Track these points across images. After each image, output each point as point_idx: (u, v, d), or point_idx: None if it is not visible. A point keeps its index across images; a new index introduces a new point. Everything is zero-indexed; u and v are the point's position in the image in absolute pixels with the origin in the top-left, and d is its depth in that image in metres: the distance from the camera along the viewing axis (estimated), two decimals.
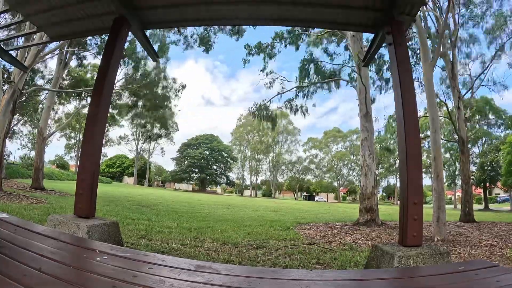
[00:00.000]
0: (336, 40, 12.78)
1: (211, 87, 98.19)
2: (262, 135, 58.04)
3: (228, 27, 12.31)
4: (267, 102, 13.41)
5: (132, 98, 19.88)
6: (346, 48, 12.60)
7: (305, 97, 13.14)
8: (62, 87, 16.88)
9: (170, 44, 14.86)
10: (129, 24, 3.48)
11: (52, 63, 24.96)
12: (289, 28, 12.01)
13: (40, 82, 17.99)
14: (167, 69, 20.41)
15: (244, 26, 12.40)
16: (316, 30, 12.02)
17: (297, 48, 12.85)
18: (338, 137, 58.24)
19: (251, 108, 13.54)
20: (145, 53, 15.59)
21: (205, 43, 13.35)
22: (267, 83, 13.17)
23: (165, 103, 24.07)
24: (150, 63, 17.35)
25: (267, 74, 13.16)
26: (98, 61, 16.56)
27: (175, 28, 12.50)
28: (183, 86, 23.87)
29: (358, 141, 51.99)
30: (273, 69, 13.34)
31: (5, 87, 9.69)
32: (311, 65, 12.68)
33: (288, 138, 60.34)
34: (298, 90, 12.93)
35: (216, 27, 12.32)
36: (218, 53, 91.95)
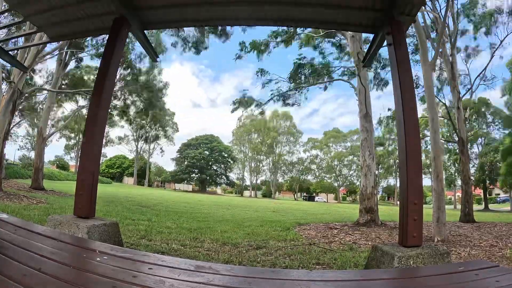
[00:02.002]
0: (333, 41, 12.75)
1: (197, 90, 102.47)
2: (264, 135, 58.05)
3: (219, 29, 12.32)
4: (265, 103, 13.46)
5: (128, 99, 19.90)
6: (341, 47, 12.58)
7: (301, 93, 13.22)
8: (62, 87, 16.88)
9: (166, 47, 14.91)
10: (129, 24, 3.48)
11: (51, 64, 24.98)
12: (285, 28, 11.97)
13: (39, 82, 17.99)
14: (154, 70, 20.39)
15: (231, 28, 12.45)
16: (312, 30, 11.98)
17: (311, 46, 12.77)
18: (338, 137, 58.28)
19: (235, 100, 13.65)
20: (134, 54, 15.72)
21: (197, 46, 13.34)
22: (263, 82, 13.16)
23: (158, 103, 24.10)
24: (143, 64, 17.40)
25: (261, 74, 13.12)
26: (94, 62, 16.65)
27: (171, 30, 12.51)
28: (165, 84, 23.82)
29: (358, 142, 52.05)
30: (265, 68, 13.21)
31: (4, 87, 9.69)
32: (307, 66, 12.66)
33: (288, 138, 60.38)
34: (293, 90, 12.94)
35: (207, 28, 12.32)
36: (203, 58, 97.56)
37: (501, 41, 13.30)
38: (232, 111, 14.31)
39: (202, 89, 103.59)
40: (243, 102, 13.41)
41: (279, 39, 12.45)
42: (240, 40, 12.91)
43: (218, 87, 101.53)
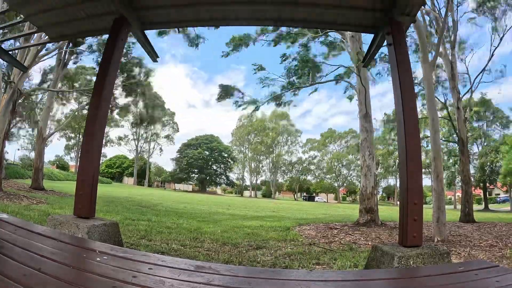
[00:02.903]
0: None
1: (191, 91, 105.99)
2: (263, 135, 58.10)
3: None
4: (263, 102, 13.33)
5: (128, 98, 19.81)
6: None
7: (294, 94, 13.08)
8: (62, 87, 16.87)
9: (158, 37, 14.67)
10: (129, 24, 3.48)
11: (51, 64, 24.93)
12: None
13: (39, 82, 17.95)
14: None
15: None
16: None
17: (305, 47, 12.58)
18: (336, 138, 58.42)
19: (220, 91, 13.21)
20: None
21: (194, 40, 13.27)
22: (261, 80, 12.96)
23: (156, 101, 23.99)
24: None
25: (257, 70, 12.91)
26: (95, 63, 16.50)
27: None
28: (150, 70, 23.32)
29: (353, 142, 52.20)
30: (264, 68, 12.99)
31: (4, 87, 9.69)
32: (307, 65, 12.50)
33: (287, 138, 60.45)
34: (287, 89, 12.78)
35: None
36: (195, 60, 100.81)
37: (501, 38, 13.28)
38: (218, 100, 13.73)
39: (196, 90, 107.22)
40: (227, 91, 12.96)
41: (270, 37, 12.21)
42: (232, 34, 12.58)
43: (212, 88, 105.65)
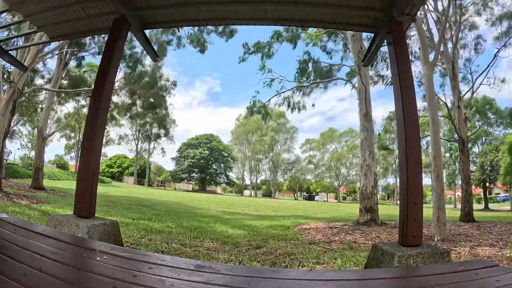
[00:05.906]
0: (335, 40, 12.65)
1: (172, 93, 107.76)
2: (262, 134, 58.06)
3: (220, 28, 12.44)
4: (266, 101, 13.41)
5: (130, 98, 19.90)
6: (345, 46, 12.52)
7: (303, 95, 13.21)
8: (62, 87, 16.86)
9: (167, 45, 14.95)
10: (129, 24, 3.48)
11: (51, 63, 24.96)
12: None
13: (39, 82, 17.96)
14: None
15: (235, 27, 12.57)
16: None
17: (317, 45, 12.75)
18: (335, 137, 58.43)
19: (247, 107, 13.50)
20: (142, 53, 15.83)
21: (200, 44, 13.45)
22: (266, 81, 13.03)
23: (161, 102, 24.24)
24: (146, 63, 17.55)
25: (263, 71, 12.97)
26: (96, 60, 16.64)
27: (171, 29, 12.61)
28: (175, 84, 24.05)
29: (356, 141, 52.31)
30: (271, 68, 13.10)
31: (5, 87, 9.68)
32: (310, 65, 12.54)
33: (286, 136, 60.47)
34: (296, 90, 12.90)
35: (210, 27, 12.38)
36: (176, 66, 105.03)
37: (505, 42, 13.23)
38: (248, 115, 14.33)
39: (177, 93, 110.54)
40: (255, 108, 13.26)
41: (282, 39, 12.35)
42: (238, 40, 12.87)
43: (193, 92, 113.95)
